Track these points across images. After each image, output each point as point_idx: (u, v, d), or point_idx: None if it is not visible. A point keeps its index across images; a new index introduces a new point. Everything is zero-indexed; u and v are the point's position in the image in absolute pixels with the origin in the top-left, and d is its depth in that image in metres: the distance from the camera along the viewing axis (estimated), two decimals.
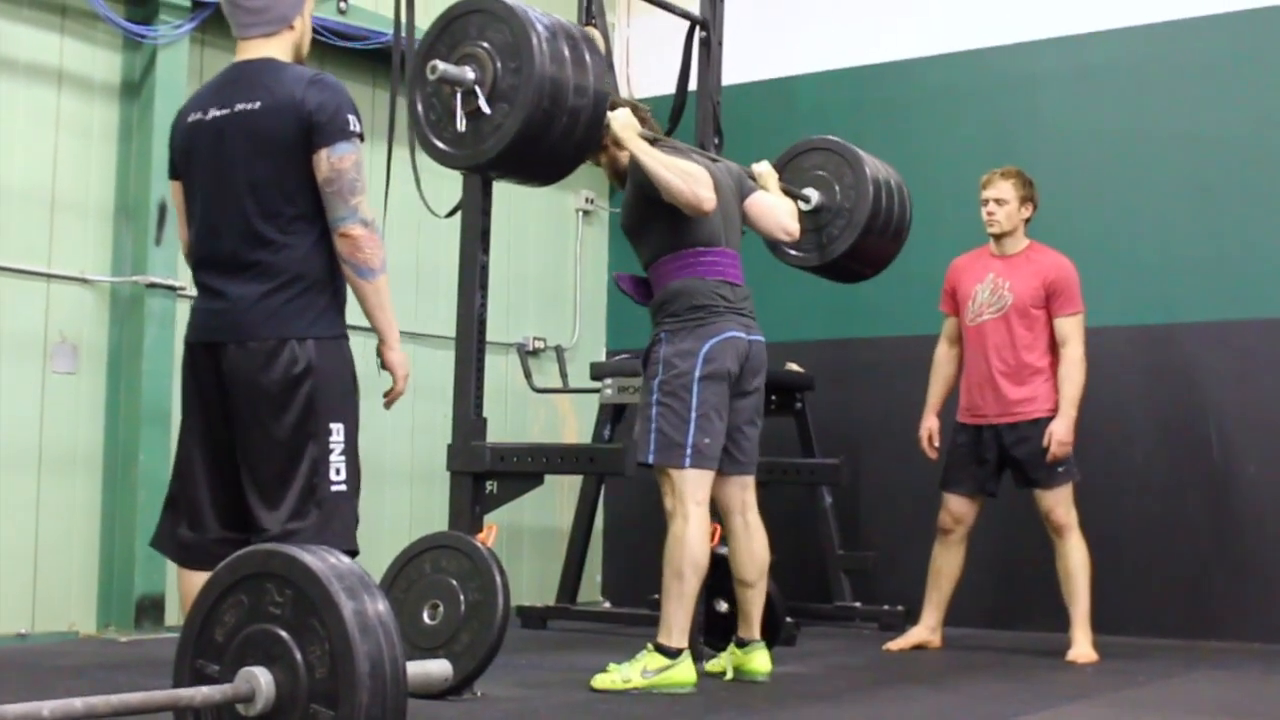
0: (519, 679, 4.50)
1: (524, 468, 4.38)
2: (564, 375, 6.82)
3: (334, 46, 5.97)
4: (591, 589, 7.20)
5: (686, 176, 4.31)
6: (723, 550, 4.76)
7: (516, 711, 3.90)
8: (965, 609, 6.01)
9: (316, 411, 3.17)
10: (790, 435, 6.40)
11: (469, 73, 3.77)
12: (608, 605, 7.15)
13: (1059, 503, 5.35)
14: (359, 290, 3.27)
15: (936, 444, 5.66)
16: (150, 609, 5.40)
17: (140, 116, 5.56)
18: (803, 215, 4.99)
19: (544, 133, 3.77)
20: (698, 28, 5.33)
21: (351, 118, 3.20)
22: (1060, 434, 5.31)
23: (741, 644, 4.60)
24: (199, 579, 3.11)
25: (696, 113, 5.30)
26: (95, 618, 5.43)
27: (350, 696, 2.34)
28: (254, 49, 3.29)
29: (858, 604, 6.31)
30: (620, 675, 4.26)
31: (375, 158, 6.05)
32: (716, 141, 5.29)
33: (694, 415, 4.31)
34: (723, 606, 5.05)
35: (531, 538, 7.09)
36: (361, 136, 3.23)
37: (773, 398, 6.01)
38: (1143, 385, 6.22)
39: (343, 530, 3.17)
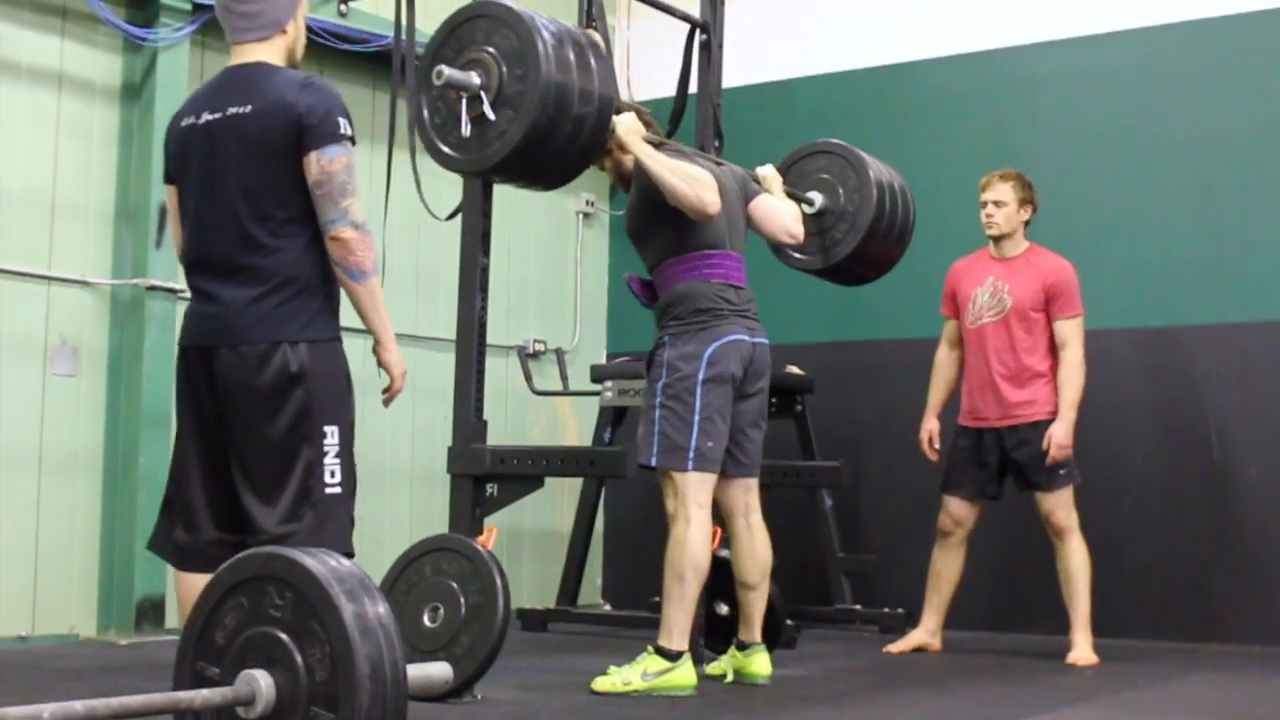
0: (519, 681, 4.50)
1: (524, 470, 4.38)
2: (564, 378, 6.82)
3: (334, 49, 5.97)
4: (592, 592, 7.19)
5: (691, 180, 4.31)
6: (724, 553, 4.76)
7: (517, 714, 3.90)
8: (966, 612, 6.01)
9: (311, 415, 3.18)
10: (791, 438, 6.40)
11: (474, 78, 3.77)
12: (608, 608, 7.15)
13: (1059, 505, 5.35)
14: (352, 293, 3.27)
15: (937, 446, 5.66)
16: (150, 611, 5.40)
17: (141, 119, 5.57)
18: (806, 218, 4.99)
19: (548, 139, 3.76)
20: (698, 30, 5.33)
21: (342, 120, 3.20)
22: (1059, 437, 5.31)
23: (742, 646, 4.60)
24: (196, 581, 3.12)
25: (697, 115, 5.30)
26: (95, 620, 5.43)
27: (350, 699, 2.34)
28: (247, 53, 3.30)
29: (858, 607, 6.31)
30: (620, 678, 4.27)
31: (376, 160, 6.07)
32: (717, 144, 5.29)
33: (697, 418, 4.31)
34: (723, 609, 5.05)
35: (532, 540, 7.09)
36: (353, 140, 3.23)
37: (773, 400, 6.00)
38: (1143, 387, 6.23)
39: (337, 533, 3.17)
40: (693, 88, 5.35)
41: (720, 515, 4.63)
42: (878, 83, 6.99)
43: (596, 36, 4.46)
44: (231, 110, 3.21)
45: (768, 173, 4.93)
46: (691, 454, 4.30)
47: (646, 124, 4.54)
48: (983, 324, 5.51)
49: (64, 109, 5.44)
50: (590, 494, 6.49)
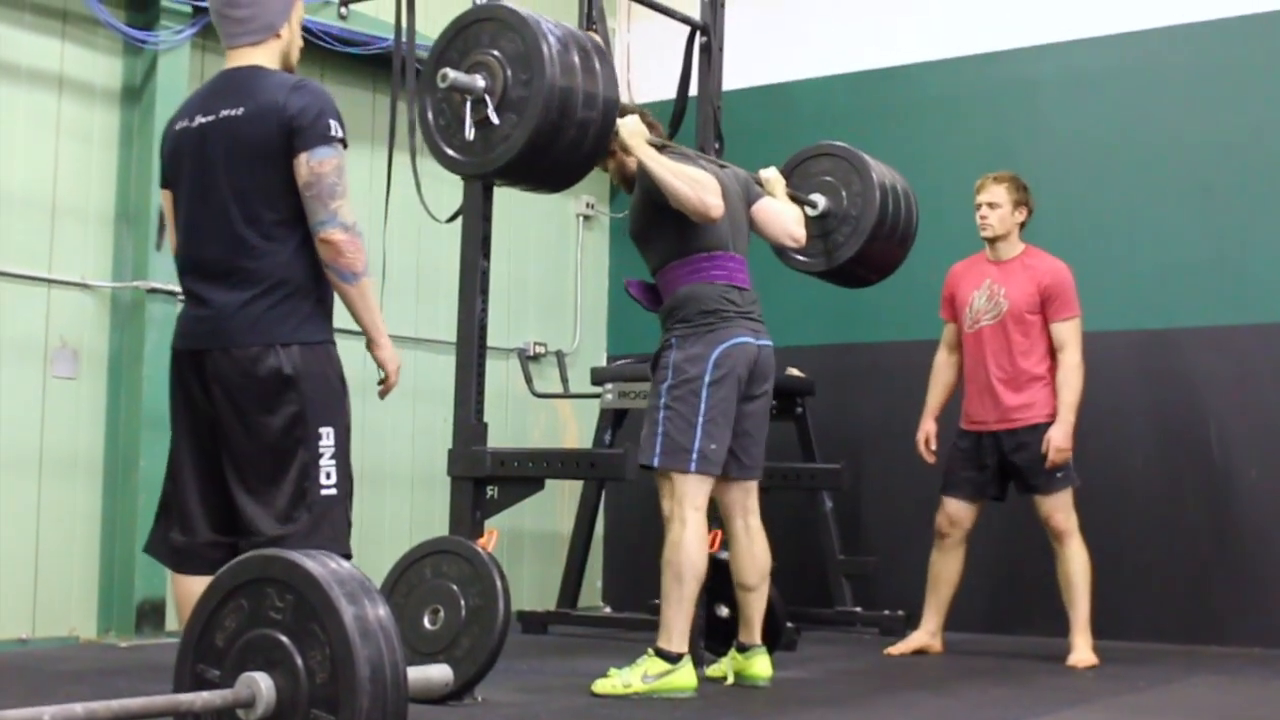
0: (520, 684, 4.50)
1: (525, 473, 4.38)
2: (565, 380, 6.82)
3: (335, 52, 5.98)
4: (592, 594, 7.19)
5: (694, 184, 4.32)
6: (724, 555, 4.77)
7: (517, 716, 3.90)
8: (966, 614, 6.01)
9: (305, 417, 3.18)
10: (791, 440, 6.40)
11: (479, 81, 3.77)
12: (608, 610, 7.15)
13: (1058, 508, 5.35)
14: (343, 294, 3.28)
15: (934, 448, 5.67)
16: (151, 614, 5.40)
17: (141, 122, 5.57)
18: (809, 221, 4.99)
19: (552, 143, 3.77)
20: (698, 33, 5.33)
21: (333, 122, 3.20)
22: (1058, 440, 5.31)
23: (742, 649, 4.60)
24: (192, 583, 3.13)
25: (697, 118, 5.30)
26: (96, 623, 5.43)
27: (351, 701, 2.34)
28: (242, 57, 3.31)
29: (858, 609, 6.30)
30: (621, 680, 4.27)
31: (376, 163, 6.07)
32: (717, 146, 5.29)
33: (701, 420, 4.31)
34: (723, 611, 5.06)
35: (532, 543, 7.09)
36: (344, 142, 3.23)
37: (774, 402, 6.00)
38: (1143, 390, 6.23)
39: (333, 534, 3.18)
40: (693, 90, 5.35)
41: (719, 517, 4.63)
42: (878, 85, 7.00)
43: (598, 39, 4.48)
44: (224, 113, 3.22)
45: (771, 175, 4.93)
46: (694, 455, 4.31)
47: (650, 126, 4.54)
48: (980, 327, 5.51)
49: (64, 111, 5.44)
50: (590, 496, 6.50)
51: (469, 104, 3.78)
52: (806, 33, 7.23)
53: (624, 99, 4.26)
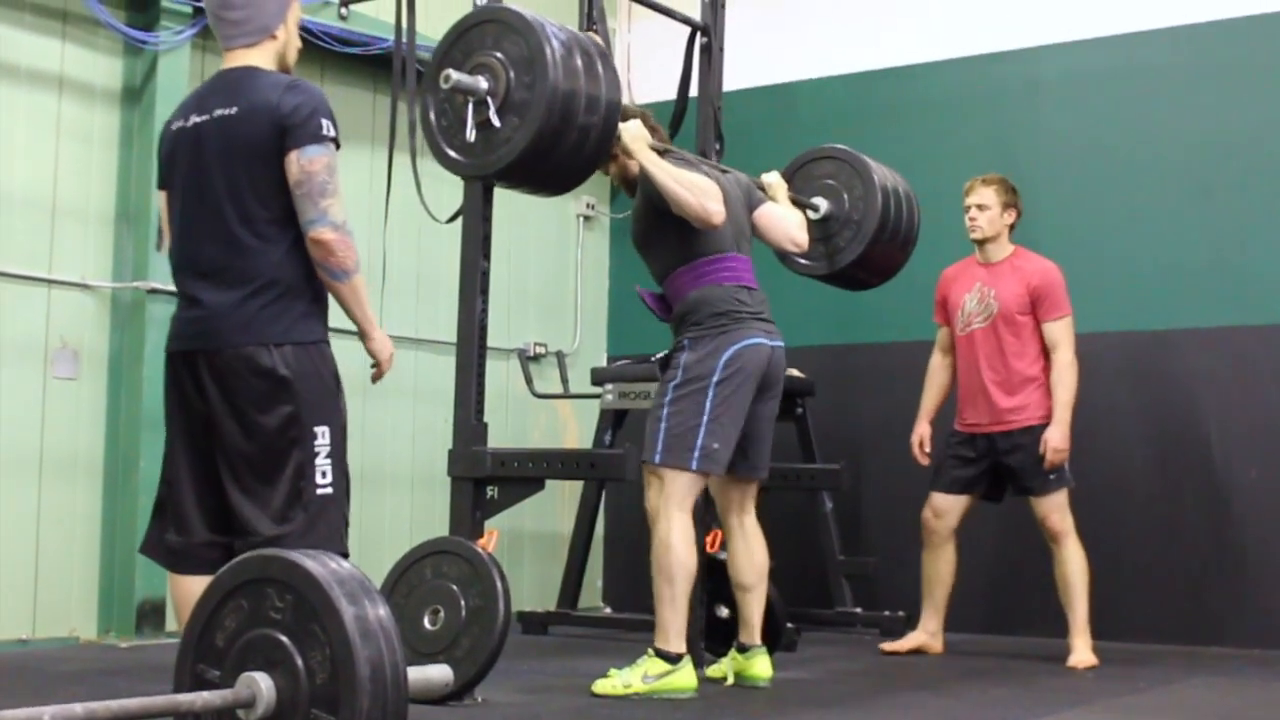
0: (520, 684, 4.50)
1: (525, 473, 4.38)
2: (565, 380, 6.82)
3: (335, 52, 5.98)
4: (592, 594, 7.19)
5: (696, 189, 4.32)
6: (723, 555, 4.77)
7: (517, 716, 3.90)
8: (966, 614, 6.02)
9: (299, 417, 3.19)
10: (791, 440, 6.39)
11: (482, 82, 3.77)
12: (608, 611, 7.15)
13: (1054, 510, 5.35)
14: (335, 291, 3.30)
15: (928, 450, 5.68)
16: (151, 614, 5.40)
17: (141, 122, 5.57)
18: (811, 224, 4.98)
19: (553, 147, 3.76)
20: (698, 33, 5.33)
21: (325, 121, 3.21)
22: (1055, 440, 5.31)
23: (742, 649, 4.60)
24: (189, 583, 3.14)
25: (697, 118, 5.30)
26: (96, 623, 5.43)
27: (351, 702, 2.34)
28: (238, 59, 3.33)
29: (859, 609, 6.30)
30: (621, 680, 4.27)
31: (376, 163, 6.09)
32: (717, 147, 5.29)
33: (705, 419, 4.31)
34: (724, 612, 5.06)
35: (532, 543, 7.09)
36: (337, 142, 3.24)
37: None
38: (1143, 390, 6.23)
39: (328, 533, 3.18)
40: (693, 90, 5.35)
41: (718, 517, 4.64)
42: (878, 86, 7.00)
43: (598, 39, 4.48)
44: (218, 112, 3.24)
45: (773, 179, 4.93)
46: (696, 453, 4.30)
47: (652, 129, 4.54)
48: (972, 330, 5.53)
49: (65, 112, 5.44)
50: (591, 497, 6.50)
51: (471, 105, 3.78)
52: (807, 33, 7.24)
53: (625, 100, 4.26)
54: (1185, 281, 6.18)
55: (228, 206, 3.21)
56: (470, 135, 3.80)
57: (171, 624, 5.39)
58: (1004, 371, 5.44)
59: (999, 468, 5.48)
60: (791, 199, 4.97)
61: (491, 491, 4.35)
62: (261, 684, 2.40)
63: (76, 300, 5.44)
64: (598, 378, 6.38)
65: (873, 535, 6.64)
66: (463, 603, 4.02)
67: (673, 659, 4.28)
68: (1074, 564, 5.36)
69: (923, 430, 5.70)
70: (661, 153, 4.44)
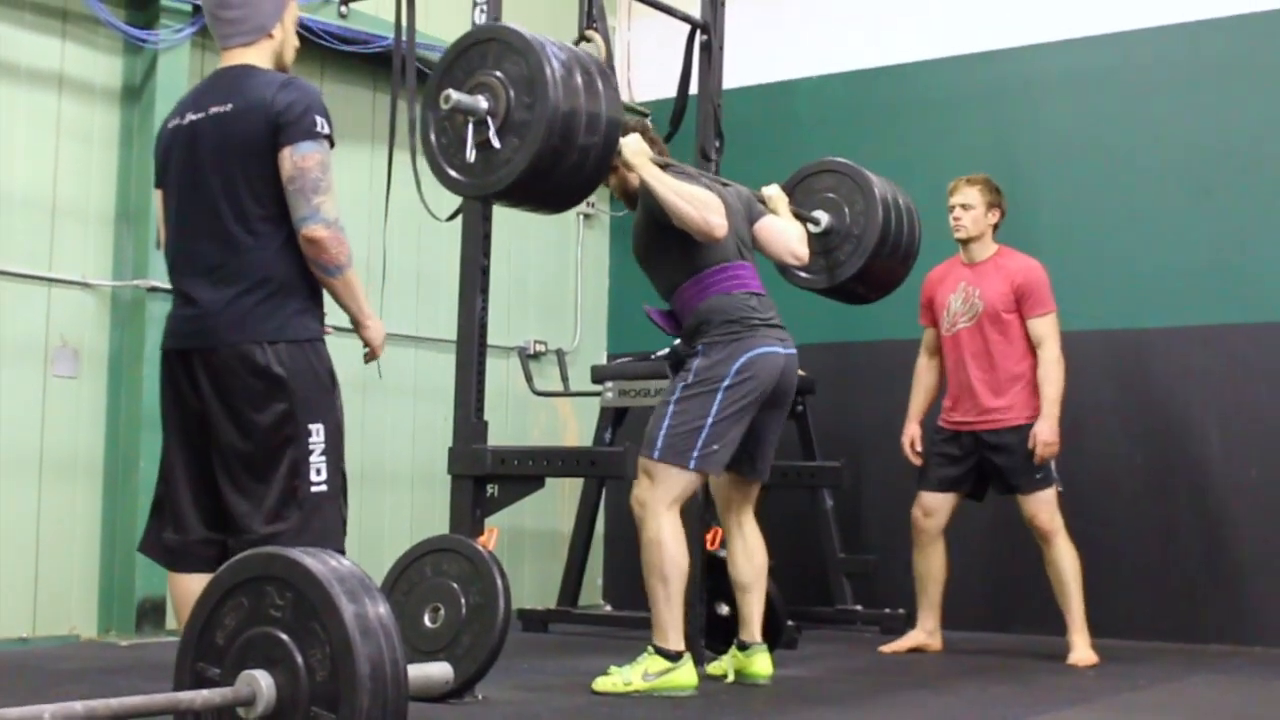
0: (520, 682, 4.50)
1: (525, 471, 4.38)
2: (565, 379, 6.82)
3: (334, 50, 5.98)
4: (592, 592, 7.20)
5: (697, 203, 4.32)
6: (723, 553, 4.77)
7: (517, 714, 3.90)
8: (965, 612, 6.02)
9: (294, 414, 3.19)
10: (791, 438, 6.38)
11: (482, 102, 3.74)
12: (609, 608, 7.15)
13: (1041, 508, 5.36)
14: (328, 286, 3.31)
15: (919, 449, 5.68)
16: (151, 612, 5.40)
17: (141, 121, 5.57)
18: (812, 238, 4.97)
19: (553, 168, 3.74)
20: (698, 31, 5.33)
21: (320, 119, 3.22)
22: (1045, 435, 5.31)
23: (743, 647, 4.60)
24: (187, 581, 3.14)
25: (697, 116, 5.30)
26: (96, 621, 5.43)
27: (351, 699, 2.34)
28: (235, 58, 3.34)
29: (859, 607, 6.30)
30: (621, 678, 4.27)
31: (376, 162, 6.09)
32: (717, 145, 5.29)
33: (710, 420, 4.31)
34: (724, 609, 5.06)
35: (532, 541, 7.09)
36: (331, 140, 3.24)
37: None
38: (1143, 389, 6.23)
39: (323, 531, 3.18)
40: (693, 88, 5.35)
41: (717, 515, 4.64)
42: (878, 83, 7.00)
43: (595, 35, 4.48)
44: (214, 109, 3.25)
45: (773, 192, 4.91)
46: (696, 453, 4.30)
47: (651, 142, 4.53)
48: (958, 330, 5.54)
49: (64, 111, 5.44)
50: (591, 494, 6.50)
51: (471, 125, 3.76)
52: (807, 31, 7.23)
53: (625, 99, 4.26)
54: (1185, 280, 6.18)
55: (222, 203, 3.22)
56: (470, 155, 3.78)
57: (171, 622, 5.39)
58: (990, 370, 5.45)
59: (984, 465, 5.50)
60: (792, 212, 4.95)
61: (492, 489, 4.35)
62: (262, 682, 2.40)
63: (77, 299, 5.44)
64: (598, 376, 6.38)
65: (873, 533, 6.64)
66: (463, 600, 4.02)
67: (673, 657, 4.28)
68: (1066, 562, 5.36)
69: (912, 431, 5.72)
70: (662, 166, 4.44)
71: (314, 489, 3.20)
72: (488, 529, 4.29)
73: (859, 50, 7.06)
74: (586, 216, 7.54)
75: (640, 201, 4.54)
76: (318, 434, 3.21)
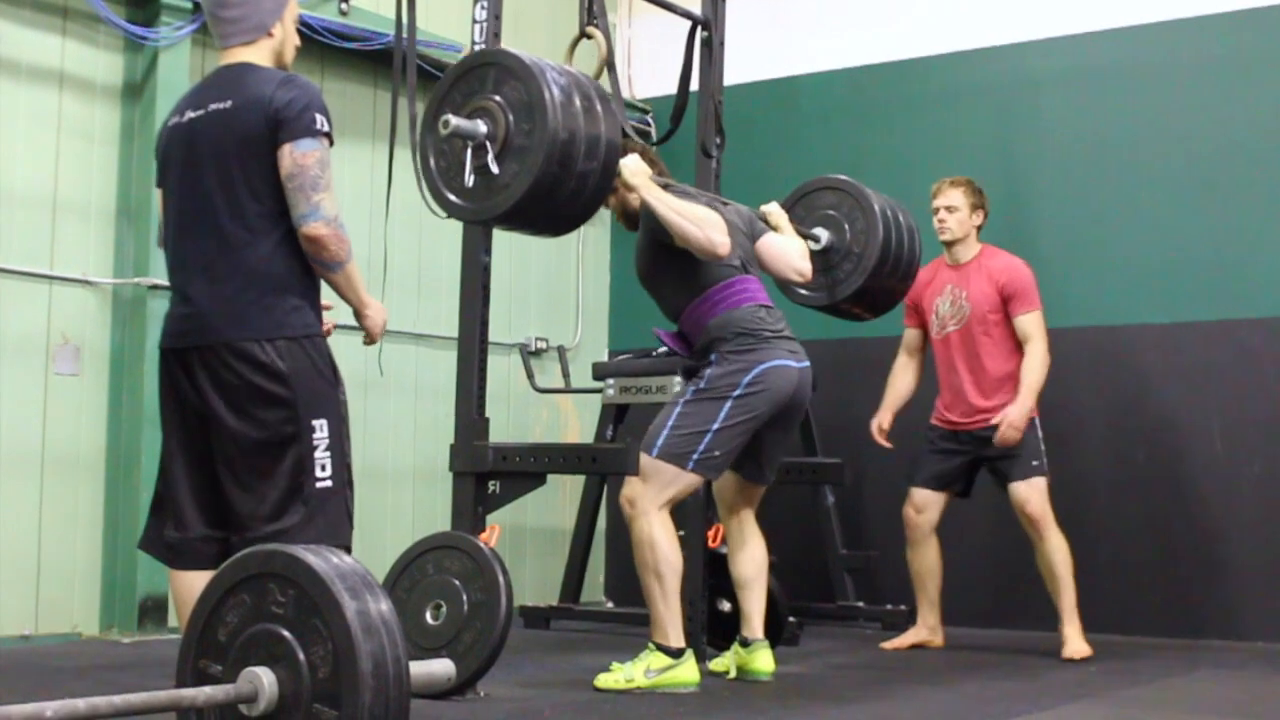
0: (522, 679, 4.50)
1: (526, 468, 4.38)
2: (566, 375, 6.82)
3: (335, 48, 5.97)
4: (594, 589, 7.20)
5: (700, 221, 4.31)
6: (725, 549, 4.77)
7: (519, 711, 3.90)
8: (967, 608, 6.02)
9: (296, 411, 3.18)
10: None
11: (481, 126, 3.73)
12: (610, 605, 7.15)
13: (1032, 496, 5.36)
14: (329, 281, 3.32)
15: (886, 429, 5.74)
16: (153, 610, 5.41)
17: (142, 118, 5.57)
18: (812, 255, 4.95)
19: (552, 193, 3.73)
20: (699, 27, 5.33)
21: (319, 116, 3.22)
22: (1012, 417, 5.32)
23: (745, 643, 4.60)
24: (189, 579, 3.14)
25: (698, 113, 5.30)
26: (98, 619, 5.43)
27: (353, 696, 2.34)
28: (235, 57, 3.34)
29: (860, 603, 6.31)
30: (623, 675, 4.27)
31: (377, 159, 6.09)
32: (718, 141, 5.29)
33: (715, 426, 4.31)
34: (725, 606, 5.06)
35: (534, 538, 7.10)
36: (330, 137, 3.24)
37: None
38: (1145, 384, 6.22)
39: (328, 527, 3.17)
40: (694, 85, 5.35)
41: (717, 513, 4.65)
42: (879, 80, 6.99)
43: (599, 34, 4.47)
44: (213, 106, 3.25)
45: (773, 209, 4.89)
46: (696, 456, 4.30)
47: (651, 163, 4.53)
48: (948, 333, 5.57)
49: (65, 108, 5.44)
50: (592, 491, 6.50)
51: (470, 149, 3.76)
52: (808, 27, 7.23)
53: (625, 95, 4.25)
54: (1187, 275, 6.17)
55: (219, 200, 3.22)
56: (469, 180, 3.77)
57: (173, 619, 5.39)
58: (980, 372, 5.48)
59: (975, 461, 5.55)
60: (794, 229, 4.94)
61: (493, 486, 4.35)
62: (264, 679, 2.40)
63: (78, 296, 5.44)
64: (599, 372, 6.38)
65: (874, 529, 6.64)
66: (465, 597, 4.02)
67: (674, 653, 4.28)
68: (1057, 554, 5.37)
69: (883, 418, 5.77)
70: (663, 186, 4.44)
71: (319, 485, 3.19)
72: (489, 526, 4.30)
73: (860, 46, 7.05)
74: None
75: (642, 223, 4.54)
76: (321, 429, 3.21)
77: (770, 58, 7.20)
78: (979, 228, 5.61)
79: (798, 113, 7.16)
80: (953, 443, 5.55)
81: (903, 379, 5.80)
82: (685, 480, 4.33)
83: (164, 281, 5.38)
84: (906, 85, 6.92)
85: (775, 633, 4.89)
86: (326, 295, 3.40)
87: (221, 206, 3.21)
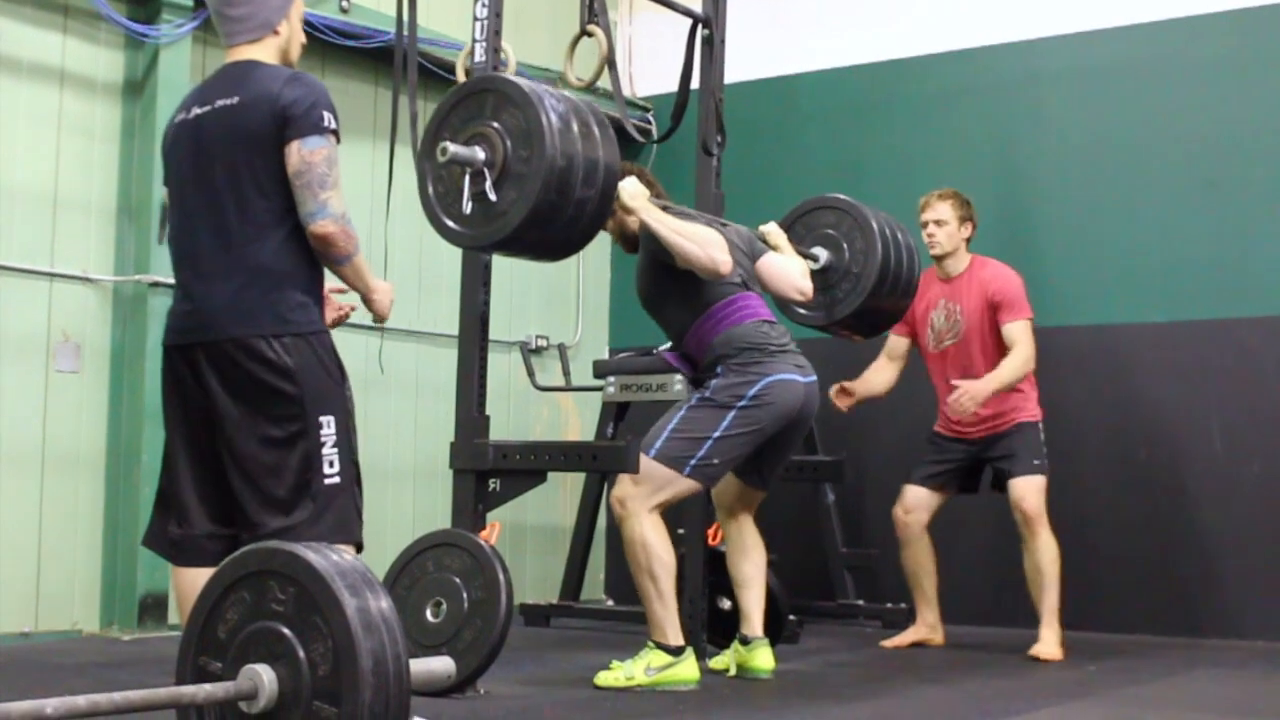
0: (522, 676, 4.50)
1: (527, 465, 4.38)
2: (567, 373, 6.82)
3: (336, 45, 5.97)
4: (594, 587, 7.20)
5: (701, 241, 4.32)
6: (724, 548, 4.77)
7: (519, 709, 3.91)
8: (967, 606, 6.02)
9: (303, 407, 3.18)
10: None
11: (479, 153, 3.73)
12: (611, 603, 7.15)
13: (1030, 492, 5.36)
14: (337, 273, 3.32)
15: (849, 389, 5.66)
16: (153, 607, 5.41)
17: (142, 116, 5.57)
18: (811, 274, 4.94)
19: (550, 220, 3.72)
20: (700, 25, 5.32)
21: (327, 114, 3.21)
22: (974, 390, 5.30)
23: (745, 641, 4.61)
24: (192, 576, 3.13)
25: (699, 111, 5.29)
26: (98, 616, 5.44)
27: (353, 694, 2.34)
28: (241, 55, 3.33)
29: (861, 601, 6.31)
30: (623, 673, 4.27)
31: (378, 157, 6.09)
32: (719, 140, 5.28)
33: (716, 435, 4.31)
34: (725, 604, 5.06)
35: (534, 535, 7.10)
36: (337, 135, 3.24)
37: None
38: (1146, 383, 6.22)
39: (336, 523, 3.17)
40: (695, 83, 5.34)
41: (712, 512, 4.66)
42: (880, 78, 6.99)
43: (600, 32, 4.47)
44: (220, 103, 3.24)
45: (771, 229, 4.88)
46: (693, 462, 4.30)
47: (649, 184, 4.53)
48: (945, 347, 5.58)
49: (66, 106, 5.44)
50: (593, 489, 6.50)
51: (468, 176, 3.75)
52: (809, 26, 7.22)
53: (626, 93, 4.24)
54: (1190, 273, 6.17)
55: (225, 196, 3.22)
56: (466, 207, 3.77)
57: (173, 617, 5.39)
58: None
59: (980, 461, 5.57)
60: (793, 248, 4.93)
61: (493, 484, 4.35)
62: (264, 676, 2.40)
63: (78, 294, 5.44)
64: (600, 370, 6.38)
65: (875, 527, 6.63)
66: (465, 595, 4.02)
67: (674, 651, 4.28)
68: (1046, 554, 5.36)
69: (847, 385, 5.68)
70: (661, 208, 4.43)
71: (327, 481, 3.19)
72: (490, 524, 4.30)
73: (861, 45, 7.05)
74: None
75: (642, 245, 4.53)
76: (328, 426, 3.21)
77: (771, 56, 7.20)
78: (968, 240, 5.60)
79: (799, 111, 7.16)
80: (956, 445, 5.56)
81: (878, 376, 5.75)
82: (680, 485, 4.33)
83: (165, 279, 5.43)
84: (907, 84, 6.91)
85: (775, 631, 4.89)
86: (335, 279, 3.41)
87: (228, 202, 3.21)
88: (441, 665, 2.72)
